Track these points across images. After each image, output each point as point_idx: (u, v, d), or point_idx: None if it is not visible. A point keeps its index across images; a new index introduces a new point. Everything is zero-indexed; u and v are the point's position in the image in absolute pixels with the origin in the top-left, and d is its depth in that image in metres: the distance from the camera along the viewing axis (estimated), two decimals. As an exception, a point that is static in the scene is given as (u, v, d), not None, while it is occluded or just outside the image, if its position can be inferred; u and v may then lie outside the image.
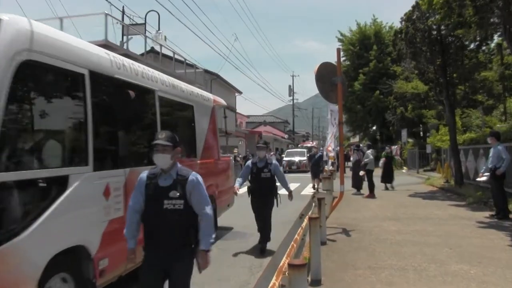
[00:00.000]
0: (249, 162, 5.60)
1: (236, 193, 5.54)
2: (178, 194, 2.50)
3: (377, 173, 15.78)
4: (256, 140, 39.35)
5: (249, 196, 5.58)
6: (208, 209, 2.60)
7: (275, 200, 5.55)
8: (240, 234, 6.49)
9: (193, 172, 2.64)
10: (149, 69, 4.54)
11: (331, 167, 14.52)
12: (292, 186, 16.06)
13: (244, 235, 6.54)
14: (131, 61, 4.18)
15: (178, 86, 5.25)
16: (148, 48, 20.08)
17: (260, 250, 5.35)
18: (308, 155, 17.97)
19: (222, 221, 6.85)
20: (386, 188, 12.50)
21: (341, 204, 8.06)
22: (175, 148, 2.61)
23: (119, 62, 3.86)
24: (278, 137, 43.49)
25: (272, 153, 14.74)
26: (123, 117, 3.91)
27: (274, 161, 5.55)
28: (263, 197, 5.51)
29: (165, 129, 4.15)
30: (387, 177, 12.60)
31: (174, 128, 4.90)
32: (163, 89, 4.70)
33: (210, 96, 6.53)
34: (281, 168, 5.50)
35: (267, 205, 5.50)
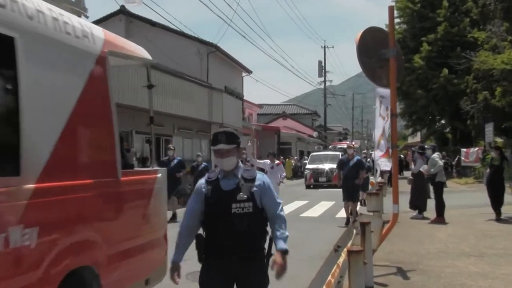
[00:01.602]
0: (201, 183, 3.26)
1: (175, 281, 3.20)
2: None
3: (456, 188, 15.27)
4: (274, 140, 39.44)
5: (200, 261, 3.23)
6: None
7: (267, 271, 3.18)
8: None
9: None
10: None
11: (379, 178, 14.27)
12: (323, 206, 16.12)
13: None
14: None
15: None
16: (116, 8, 19.73)
17: None
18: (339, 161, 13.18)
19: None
20: (499, 218, 10.84)
21: (395, 231, 7.91)
22: None
23: None
24: (303, 136, 43.45)
25: (277, 162, 12.51)
26: None
27: (261, 176, 3.24)
28: (234, 268, 3.12)
29: None
30: (498, 198, 10.85)
31: None
32: None
33: (97, 31, 4.02)
34: (276, 194, 3.28)
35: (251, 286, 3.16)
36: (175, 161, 12.36)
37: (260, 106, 46.07)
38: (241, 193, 3.16)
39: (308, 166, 25.41)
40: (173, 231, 4.01)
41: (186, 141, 19.87)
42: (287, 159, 32.81)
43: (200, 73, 22.90)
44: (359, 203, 11.65)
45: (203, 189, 3.26)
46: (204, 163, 13.85)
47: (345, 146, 20.70)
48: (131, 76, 14.24)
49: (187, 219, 3.30)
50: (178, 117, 18.14)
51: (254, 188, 3.19)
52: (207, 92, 20.61)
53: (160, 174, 4.79)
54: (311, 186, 24.09)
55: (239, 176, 3.23)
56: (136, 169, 5.29)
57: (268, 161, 12.79)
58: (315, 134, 47.10)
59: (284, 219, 3.23)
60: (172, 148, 12.83)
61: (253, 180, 3.22)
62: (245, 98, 33.70)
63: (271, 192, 3.25)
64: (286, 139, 38.81)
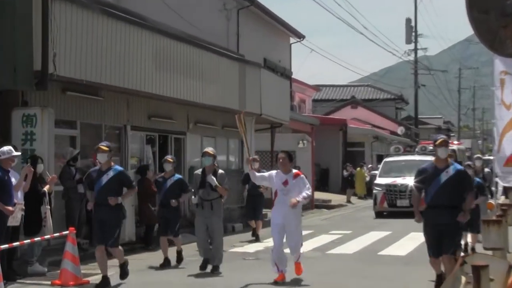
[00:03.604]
0: None
1: None
2: None
3: None
4: (339, 139, 38.56)
5: None
6: None
7: None
8: None
9: None
10: None
11: (502, 198, 13.81)
12: (413, 240, 15.48)
13: None
14: None
15: None
16: None
17: None
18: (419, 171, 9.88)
19: None
20: None
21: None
22: None
23: None
24: (382, 133, 43.18)
25: (294, 171, 10.44)
26: None
27: None
28: None
29: None
30: None
31: None
32: None
33: None
34: None
35: None
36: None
37: (317, 88, 45.95)
38: None
39: (378, 180, 24.13)
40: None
41: (207, 140, 19.94)
42: (358, 168, 32.52)
43: (227, 39, 22.99)
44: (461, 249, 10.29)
45: None
46: (177, 175, 12.40)
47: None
48: (121, 44, 14.39)
49: None
50: (194, 105, 18.23)
51: None
52: (237, 67, 20.65)
53: None
54: (384, 214, 23.13)
55: None
56: None
57: (276, 172, 10.36)
58: (400, 130, 46.53)
59: None
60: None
61: None
62: (294, 76, 33.62)
63: None
64: (356, 138, 38.52)
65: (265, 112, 22.01)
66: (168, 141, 17.63)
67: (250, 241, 15.63)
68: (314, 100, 45.99)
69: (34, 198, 10.51)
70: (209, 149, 11.64)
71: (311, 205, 27.94)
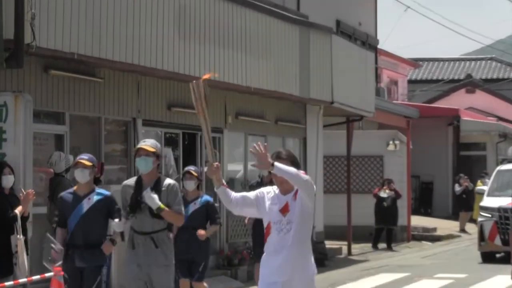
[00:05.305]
0: None
1: None
2: None
3: None
4: (447, 138, 37.90)
5: None
6: None
7: None
8: None
9: None
10: None
11: None
12: None
13: None
14: None
15: None
16: None
17: None
18: None
19: None
20: None
21: None
22: None
23: None
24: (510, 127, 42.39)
25: (301, 172, 6.93)
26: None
27: None
28: None
29: None
30: None
31: None
32: None
33: None
34: None
35: None
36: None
37: (416, 63, 45.62)
38: None
39: (486, 201, 23.17)
40: None
41: (254, 140, 19.78)
42: (478, 181, 31.85)
43: (283, -7, 22.90)
44: None
45: None
46: (102, 192, 9.83)
47: None
48: (129, 2, 14.25)
49: None
50: (235, 89, 18.15)
51: None
52: (297, 34, 20.52)
53: None
54: (497, 256, 22.35)
55: None
56: None
57: (269, 193, 7.63)
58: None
59: None
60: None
61: None
62: (381, 46, 33.36)
63: None
64: (473, 137, 38.08)
65: (338, 100, 21.88)
66: (196, 141, 17.68)
67: None
68: (411, 81, 45.66)
69: (0, 224, 10.54)
70: (147, 144, 9.35)
71: (406, 235, 27.55)
